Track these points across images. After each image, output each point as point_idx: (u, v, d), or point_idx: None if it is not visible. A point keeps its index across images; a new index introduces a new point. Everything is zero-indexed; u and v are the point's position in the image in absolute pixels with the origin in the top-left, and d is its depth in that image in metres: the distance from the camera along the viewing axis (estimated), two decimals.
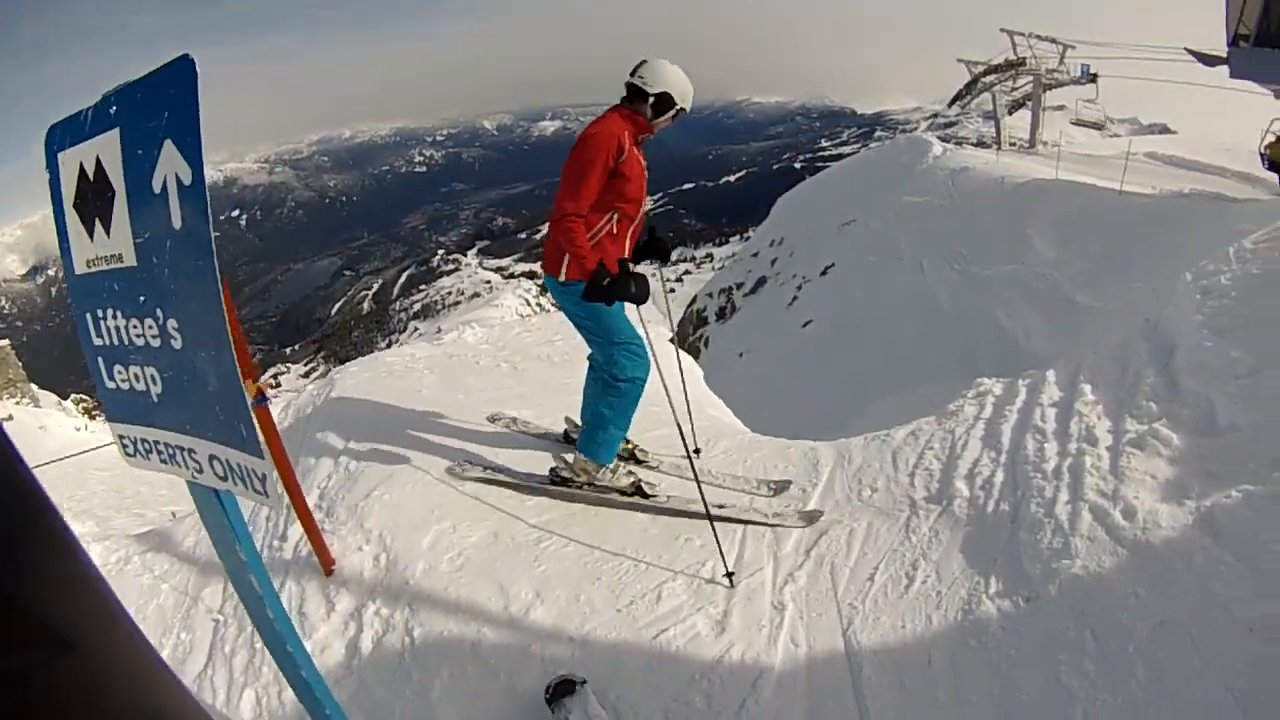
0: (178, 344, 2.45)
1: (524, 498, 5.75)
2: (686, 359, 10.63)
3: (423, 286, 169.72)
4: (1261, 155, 24.16)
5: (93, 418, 32.31)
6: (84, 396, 36.40)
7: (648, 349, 5.49)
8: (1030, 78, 38.87)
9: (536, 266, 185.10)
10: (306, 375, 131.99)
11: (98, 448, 10.86)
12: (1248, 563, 3.65)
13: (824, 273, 34.73)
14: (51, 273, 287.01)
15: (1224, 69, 23.41)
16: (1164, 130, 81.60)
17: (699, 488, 5.08)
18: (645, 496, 5.55)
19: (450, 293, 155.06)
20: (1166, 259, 16.65)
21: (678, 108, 5.28)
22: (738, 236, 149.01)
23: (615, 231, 5.25)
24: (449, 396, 7.72)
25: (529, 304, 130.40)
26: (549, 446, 6.52)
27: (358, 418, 7.23)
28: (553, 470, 5.78)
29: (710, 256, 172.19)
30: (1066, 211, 23.40)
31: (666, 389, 5.28)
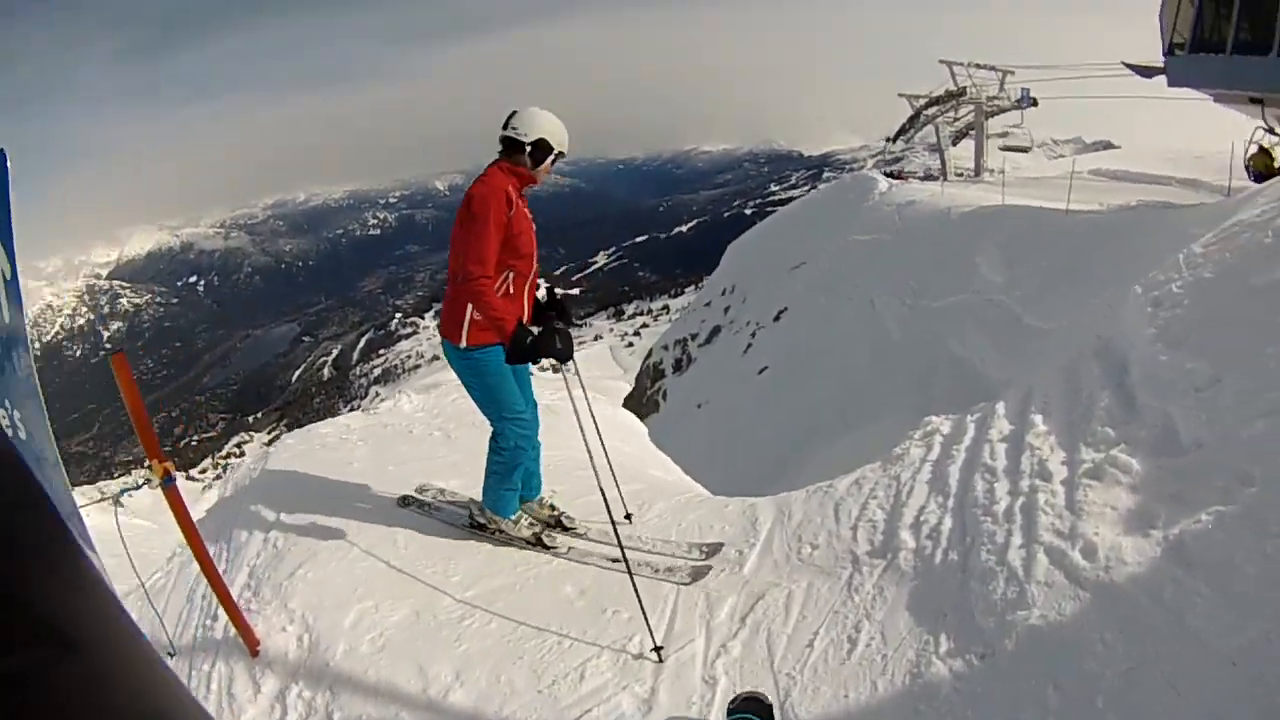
0: (23, 434, 2.20)
1: (449, 572, 5.62)
2: (630, 418, 11.04)
3: (382, 351, 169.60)
4: (1246, 167, 24.24)
5: None
6: None
7: (538, 419, 5.81)
8: (972, 107, 39.16)
9: None
10: (270, 444, 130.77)
11: None
12: (1223, 590, 3.32)
13: (776, 318, 34.53)
14: None
15: (1162, 79, 23.64)
16: (1108, 146, 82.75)
17: (623, 554, 4.94)
18: (546, 547, 5.71)
19: (409, 356, 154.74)
20: (1117, 272, 16.40)
21: (556, 152, 5.28)
22: (693, 286, 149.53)
23: (512, 290, 5.26)
24: (379, 468, 7.58)
25: None
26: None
27: (289, 492, 7.07)
28: (470, 515, 6.07)
29: (666, 308, 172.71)
30: (1013, 235, 23.21)
31: (591, 456, 5.25)
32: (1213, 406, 4.25)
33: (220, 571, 5.54)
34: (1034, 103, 37.92)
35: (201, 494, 65.18)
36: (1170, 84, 23.16)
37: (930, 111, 40.77)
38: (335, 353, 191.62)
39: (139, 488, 6.29)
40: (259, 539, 6.33)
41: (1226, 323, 4.79)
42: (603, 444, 6.14)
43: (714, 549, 5.57)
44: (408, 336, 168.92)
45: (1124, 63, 28.59)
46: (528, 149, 5.16)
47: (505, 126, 5.20)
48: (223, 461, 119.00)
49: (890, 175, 42.06)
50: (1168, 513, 3.85)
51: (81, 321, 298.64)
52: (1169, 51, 22.62)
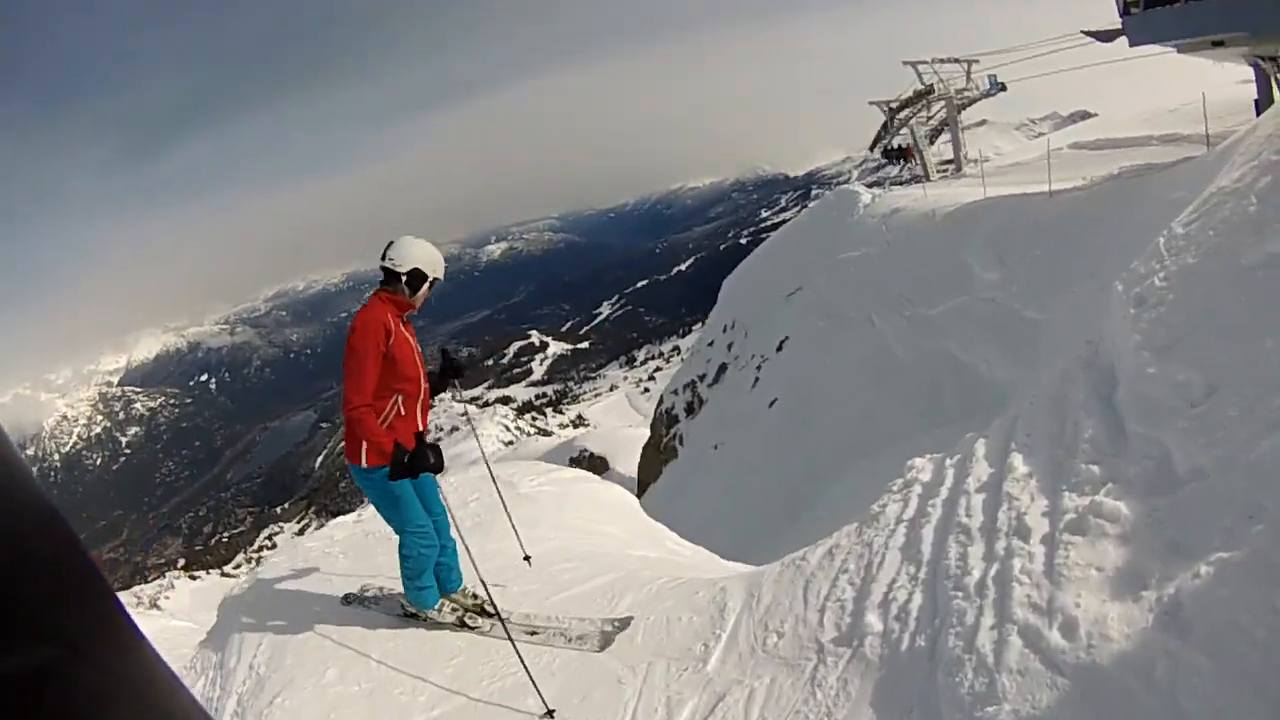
0: None
1: (417, 691, 5.67)
2: (621, 496, 11.02)
3: None
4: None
5: None
6: None
7: (447, 522, 6.24)
8: (942, 102, 38.80)
9: (509, 391, 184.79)
10: (301, 532, 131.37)
11: None
12: (1225, 662, 2.78)
13: (779, 348, 34.06)
14: (31, 451, 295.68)
15: (1123, 41, 23.22)
16: (1085, 116, 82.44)
17: (507, 639, 5.51)
18: (470, 628, 6.19)
19: (428, 430, 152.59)
20: (1107, 250, 16.14)
21: (431, 278, 5.80)
22: (699, 324, 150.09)
23: (404, 411, 5.69)
24: (357, 582, 7.56)
25: (508, 429, 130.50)
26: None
27: (273, 613, 7.19)
28: (402, 607, 6.48)
29: (677, 349, 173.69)
30: (1000, 229, 22.59)
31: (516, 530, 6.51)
32: (1211, 424, 3.66)
33: (215, 700, 6.25)
34: (1003, 87, 37.88)
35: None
36: (1131, 44, 22.70)
37: (903, 114, 40.44)
38: None
39: None
40: (245, 666, 6.47)
41: (1218, 317, 4.22)
42: (512, 523, 7.32)
43: (624, 623, 5.89)
44: None
45: (1083, 31, 28.24)
46: (403, 279, 5.66)
47: (383, 257, 5.70)
48: (255, 555, 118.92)
49: (897, 151, 41.33)
50: (1162, 568, 3.29)
51: (98, 429, 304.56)
52: (1124, 11, 22.16)
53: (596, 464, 71.76)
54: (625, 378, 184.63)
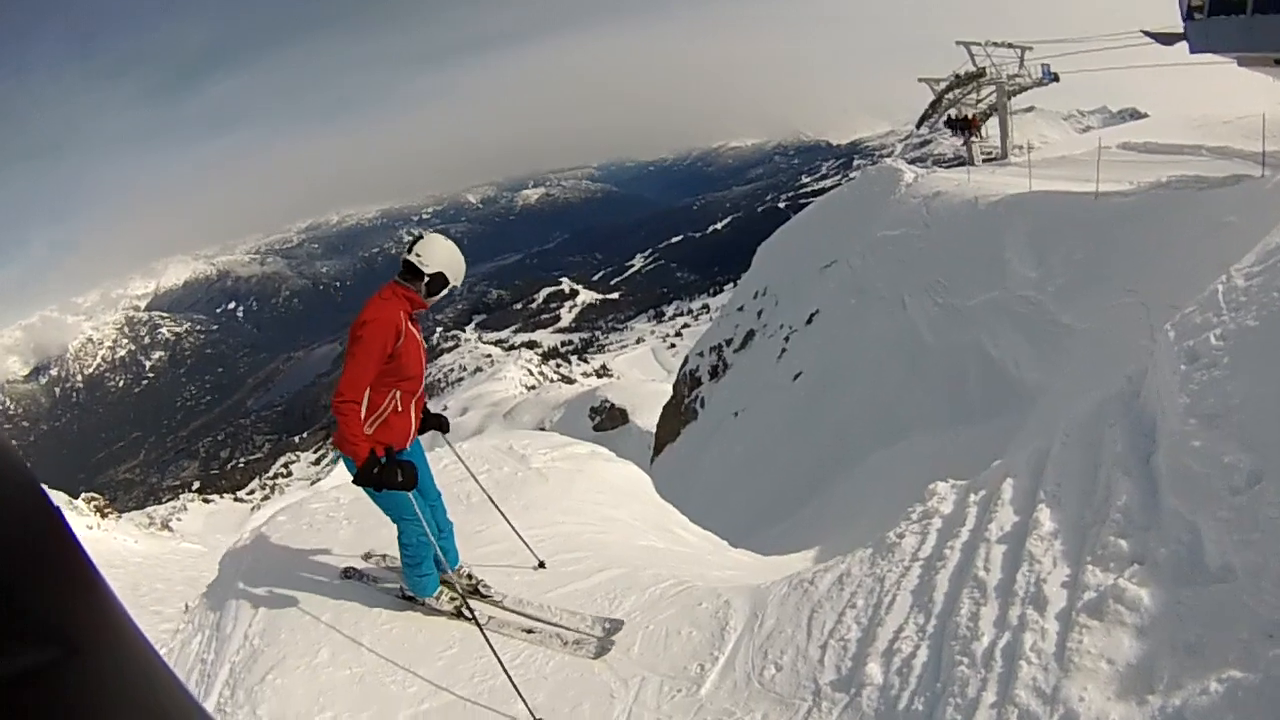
0: None
1: (407, 683, 5.67)
2: (633, 472, 10.85)
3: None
4: None
5: (104, 515, 32.52)
6: (95, 495, 36.92)
7: (443, 506, 6.39)
8: (993, 86, 38.16)
9: (535, 335, 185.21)
10: (317, 462, 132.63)
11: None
12: None
13: (809, 320, 33.75)
14: (54, 372, 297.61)
15: (1183, 45, 22.69)
16: (1135, 115, 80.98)
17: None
18: (465, 619, 6.02)
19: (452, 369, 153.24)
20: (1150, 263, 16.08)
21: (451, 285, 5.71)
22: (731, 284, 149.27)
23: (400, 408, 5.66)
24: (359, 552, 7.60)
25: (531, 374, 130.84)
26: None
27: (273, 580, 7.17)
28: (401, 590, 6.57)
29: (706, 308, 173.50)
30: (1042, 226, 22.20)
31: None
32: (1249, 519, 3.41)
33: (209, 663, 6.36)
34: (1055, 78, 36.91)
35: (250, 514, 66.12)
36: (1192, 50, 22.12)
37: (952, 95, 39.70)
38: None
39: None
40: (240, 633, 6.47)
41: (1274, 398, 3.92)
42: (510, 523, 7.20)
43: (616, 626, 5.96)
44: (450, 350, 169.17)
45: (1143, 31, 27.57)
46: (426, 279, 5.56)
47: (409, 250, 5.60)
48: (270, 482, 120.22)
49: (961, 122, 40.33)
50: (1174, 671, 3.11)
51: (122, 353, 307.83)
52: (1188, 16, 21.53)
53: (616, 415, 72.18)
54: (652, 332, 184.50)
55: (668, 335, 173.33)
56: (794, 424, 28.80)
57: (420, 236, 5.74)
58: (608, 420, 72.61)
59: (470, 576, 6.59)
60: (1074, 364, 16.13)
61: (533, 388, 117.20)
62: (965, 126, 39.00)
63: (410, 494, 5.68)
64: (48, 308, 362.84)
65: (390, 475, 5.25)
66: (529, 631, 5.93)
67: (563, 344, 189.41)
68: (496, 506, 7.31)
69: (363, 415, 5.38)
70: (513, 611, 6.34)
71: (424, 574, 6.21)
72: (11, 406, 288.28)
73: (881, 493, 16.39)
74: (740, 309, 42.38)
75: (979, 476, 5.30)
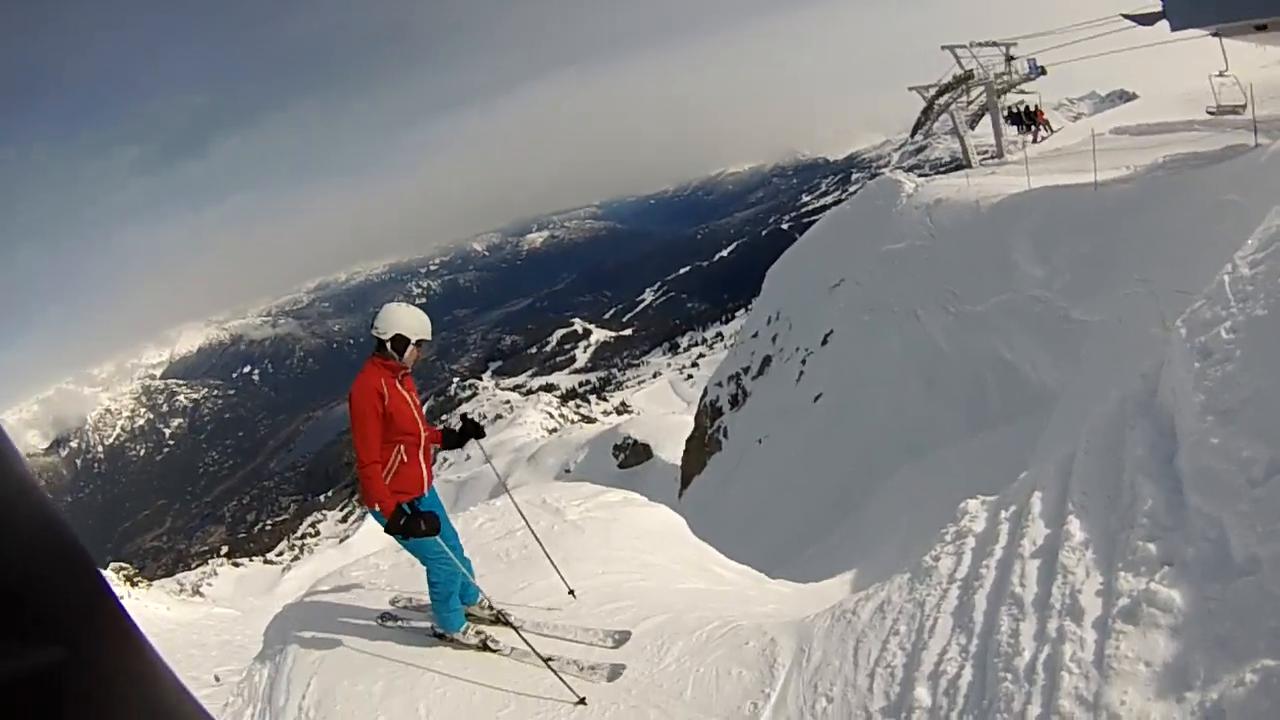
0: None
1: None
2: (667, 515, 10.91)
3: (444, 416, 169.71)
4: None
5: (134, 584, 33.41)
6: (124, 564, 38.15)
7: (460, 547, 6.88)
8: (982, 87, 38.27)
9: (552, 378, 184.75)
10: (345, 520, 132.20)
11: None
12: None
13: (824, 341, 33.70)
14: (74, 444, 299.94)
15: (1164, 24, 22.76)
16: (1124, 96, 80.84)
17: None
18: (491, 650, 6.80)
19: (473, 418, 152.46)
20: (1155, 250, 16.10)
21: (416, 339, 6.28)
22: (742, 310, 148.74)
23: (406, 459, 6.26)
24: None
25: (552, 416, 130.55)
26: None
27: (320, 650, 7.38)
28: (432, 628, 7.07)
29: (720, 336, 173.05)
30: (1045, 223, 22.10)
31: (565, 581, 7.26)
32: (1270, 510, 3.50)
33: None
34: (1042, 71, 36.85)
35: (281, 576, 65.99)
36: (1173, 28, 22.11)
37: (943, 100, 39.65)
38: None
39: None
40: (295, 706, 6.68)
41: None
42: (549, 553, 7.80)
43: (623, 637, 6.67)
44: (469, 399, 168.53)
45: (1122, 14, 27.58)
46: (388, 344, 6.14)
47: (372, 327, 6.26)
48: (299, 542, 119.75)
49: (1022, 115, 38.81)
50: (1208, 666, 3.20)
51: (141, 422, 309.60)
52: None
53: (640, 451, 71.81)
54: (669, 364, 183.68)
55: (684, 367, 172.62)
56: (818, 446, 28.77)
57: (377, 311, 6.31)
58: (632, 456, 72.21)
59: (491, 607, 6.99)
60: (1089, 360, 16.15)
61: (554, 430, 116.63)
62: (1030, 120, 38.66)
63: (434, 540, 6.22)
64: (64, 380, 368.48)
65: (415, 525, 5.86)
66: (548, 660, 6.23)
67: (580, 384, 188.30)
68: (535, 536, 8.00)
69: (384, 473, 6.03)
70: (532, 633, 6.73)
71: (452, 609, 6.78)
72: None
73: (911, 509, 16.44)
74: (755, 335, 42.23)
75: (1007, 491, 5.38)
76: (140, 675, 0.92)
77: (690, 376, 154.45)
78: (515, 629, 6.67)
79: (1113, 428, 5.07)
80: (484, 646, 6.85)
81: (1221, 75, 23.75)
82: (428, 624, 7.20)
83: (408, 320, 6.23)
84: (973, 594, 4.64)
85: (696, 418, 46.69)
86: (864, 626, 5.09)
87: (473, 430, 7.33)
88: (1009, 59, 37.62)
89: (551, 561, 7.66)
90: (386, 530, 5.97)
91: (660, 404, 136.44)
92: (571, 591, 7.60)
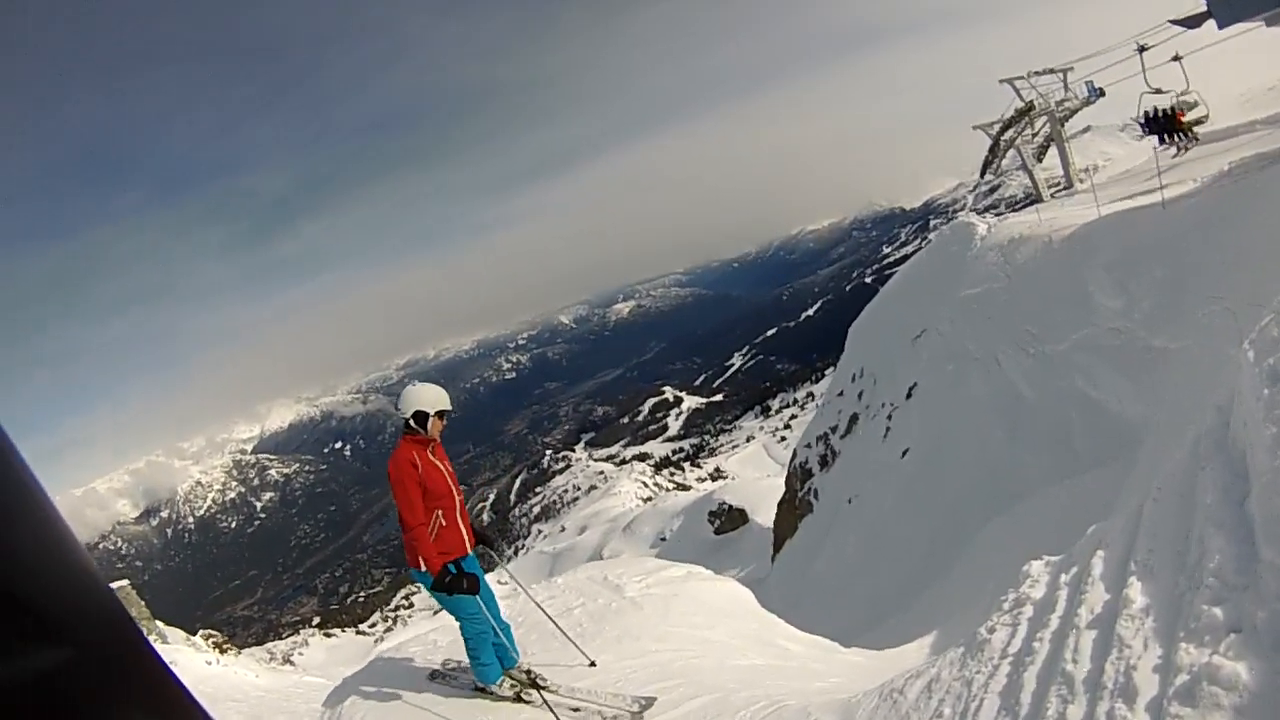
0: None
1: None
2: (734, 589, 10.87)
3: (538, 489, 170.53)
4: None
5: (223, 651, 33.36)
6: (212, 631, 38.81)
7: (497, 608, 7.36)
8: (1045, 117, 37.83)
9: (646, 447, 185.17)
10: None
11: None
12: None
13: (909, 395, 33.12)
14: (165, 514, 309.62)
15: (1210, 24, 22.32)
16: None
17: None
18: (525, 702, 7.34)
19: (566, 490, 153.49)
20: (1229, 264, 15.50)
21: (435, 411, 6.87)
22: (831, 368, 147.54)
23: (445, 522, 6.77)
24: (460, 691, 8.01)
25: (646, 485, 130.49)
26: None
27: (366, 707, 7.93)
28: (475, 684, 7.63)
29: (811, 395, 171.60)
30: (1117, 251, 21.38)
31: (586, 658, 7.95)
32: None
33: None
34: (1101, 93, 36.30)
35: (374, 646, 66.31)
36: (1220, 26, 21.68)
37: (1008, 136, 39.40)
38: (491, 497, 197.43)
39: None
40: None
41: None
42: (560, 625, 8.51)
43: (648, 702, 7.04)
44: (561, 471, 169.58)
45: (1170, 20, 27.15)
46: (411, 422, 6.77)
47: (396, 408, 7.03)
48: (392, 614, 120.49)
49: (1159, 120, 31.93)
50: None
51: (232, 494, 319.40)
52: None
53: (736, 516, 71.43)
54: (761, 428, 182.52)
55: (777, 429, 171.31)
56: (906, 504, 28.26)
57: (399, 394, 7.04)
58: (728, 522, 71.84)
59: (529, 672, 7.48)
60: (1173, 390, 15.56)
61: (649, 499, 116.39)
62: (1167, 124, 30.48)
63: (473, 601, 6.91)
64: (154, 453, 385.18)
65: (459, 583, 6.56)
66: (575, 710, 6.97)
67: (674, 452, 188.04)
68: (540, 607, 8.72)
69: (430, 535, 6.58)
70: (565, 695, 7.31)
71: (485, 663, 7.36)
72: (125, 547, 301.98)
73: (999, 565, 15.79)
74: (840, 394, 41.81)
75: (1072, 550, 5.04)
76: (144, 678, 0.91)
77: (783, 439, 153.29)
78: (541, 689, 7.18)
79: (1185, 471, 4.64)
80: (518, 698, 7.45)
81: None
82: (470, 680, 7.77)
83: (424, 396, 6.86)
84: (1023, 671, 4.29)
85: (787, 480, 46.25)
86: (909, 708, 4.79)
87: (481, 538, 7.47)
88: (1067, 84, 37.29)
89: (565, 635, 8.29)
90: (430, 588, 6.63)
91: (754, 468, 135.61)
92: (593, 663, 8.11)
